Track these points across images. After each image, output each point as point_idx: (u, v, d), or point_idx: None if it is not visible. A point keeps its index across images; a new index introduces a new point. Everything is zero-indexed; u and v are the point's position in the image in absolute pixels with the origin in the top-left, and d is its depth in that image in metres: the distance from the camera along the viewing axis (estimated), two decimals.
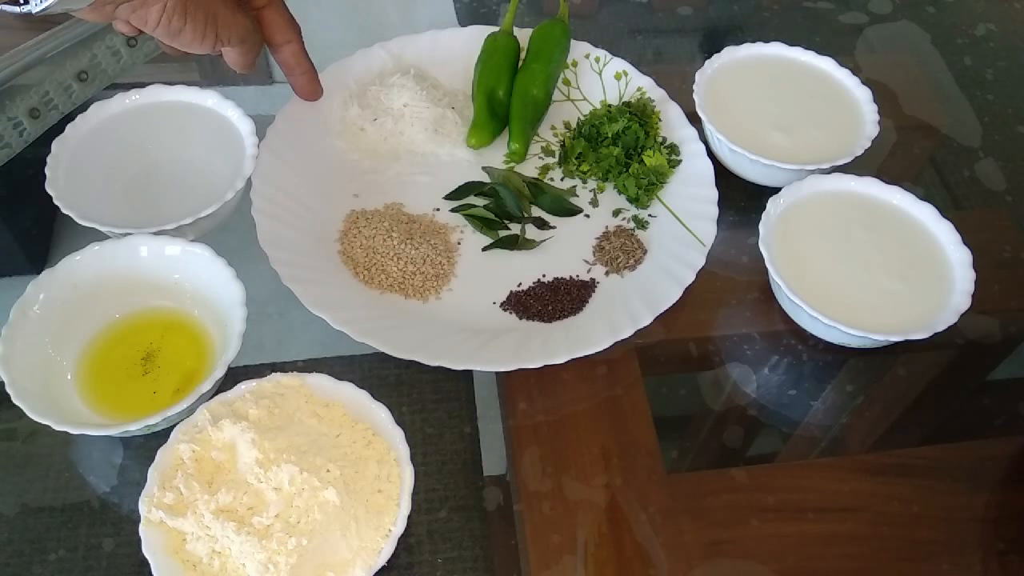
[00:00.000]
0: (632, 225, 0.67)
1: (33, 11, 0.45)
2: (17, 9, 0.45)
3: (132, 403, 0.55)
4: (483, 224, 0.66)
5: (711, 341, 0.62)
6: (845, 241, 0.61)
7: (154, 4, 0.50)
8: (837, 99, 0.70)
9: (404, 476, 0.50)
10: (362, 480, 0.49)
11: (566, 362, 0.56)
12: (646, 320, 0.58)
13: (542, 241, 0.66)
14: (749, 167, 0.67)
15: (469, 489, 0.54)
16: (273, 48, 0.62)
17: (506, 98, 0.71)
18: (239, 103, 0.67)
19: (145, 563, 0.46)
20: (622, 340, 0.57)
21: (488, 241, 0.65)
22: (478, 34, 0.75)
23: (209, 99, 0.67)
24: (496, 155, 0.71)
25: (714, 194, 0.65)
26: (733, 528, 0.53)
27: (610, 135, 0.69)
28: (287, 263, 0.59)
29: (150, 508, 0.47)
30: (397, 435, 0.51)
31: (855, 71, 0.71)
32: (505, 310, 0.62)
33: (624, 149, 0.68)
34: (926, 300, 0.58)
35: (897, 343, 0.56)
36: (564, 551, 0.51)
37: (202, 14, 0.53)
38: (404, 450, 0.51)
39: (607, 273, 0.64)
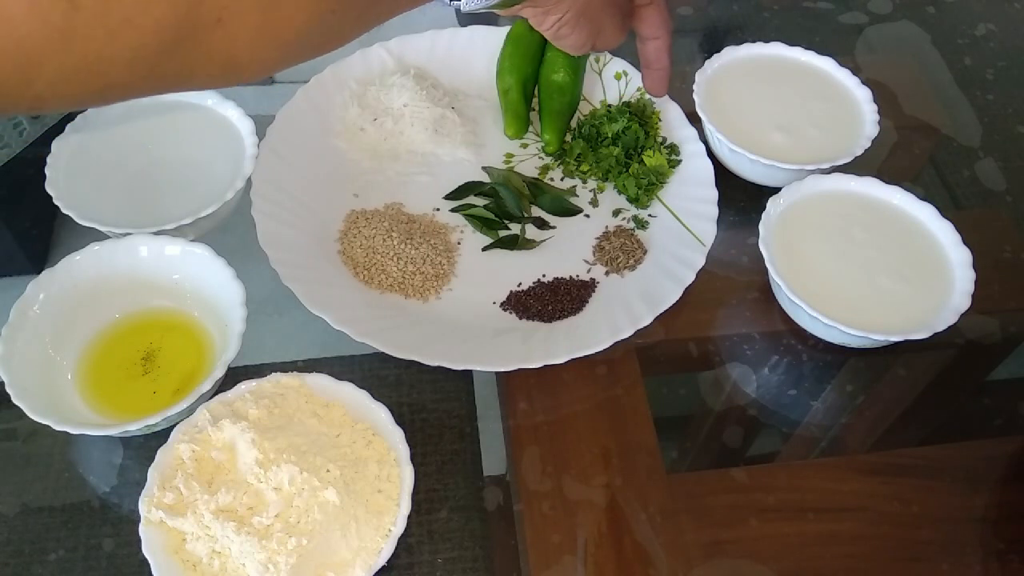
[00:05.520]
0: (632, 225, 0.67)
1: (462, 9, 0.48)
2: (450, 5, 0.49)
3: (132, 403, 0.55)
4: (483, 224, 0.66)
5: (711, 341, 0.62)
6: (845, 241, 0.61)
7: (554, 14, 0.54)
8: (837, 99, 0.70)
9: (404, 476, 0.50)
10: (362, 480, 0.49)
11: (566, 362, 0.56)
12: (646, 320, 0.58)
13: (542, 241, 0.66)
14: (749, 167, 0.67)
15: (469, 489, 0.54)
16: (640, 39, 0.63)
17: (534, 86, 0.71)
18: (239, 103, 0.67)
19: (145, 563, 0.46)
20: (622, 340, 0.57)
21: (488, 241, 0.65)
22: (478, 34, 0.75)
23: (209, 99, 0.67)
24: (496, 155, 0.71)
25: (714, 194, 0.65)
26: (733, 528, 0.53)
27: (610, 135, 0.69)
28: (287, 263, 0.59)
29: (150, 508, 0.47)
30: (397, 435, 0.51)
31: (855, 71, 0.71)
32: (505, 310, 0.62)
33: (624, 149, 0.68)
34: (926, 300, 0.58)
35: (897, 343, 0.56)
36: (564, 551, 0.51)
37: (589, 29, 0.56)
38: (404, 450, 0.51)
39: (607, 273, 0.64)
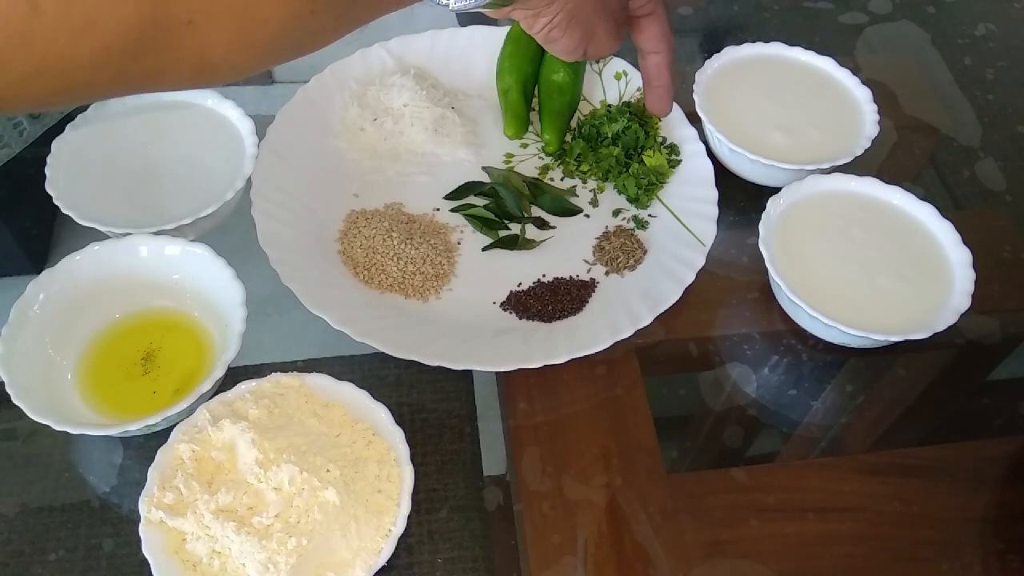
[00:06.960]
0: (632, 225, 0.67)
1: (451, 8, 0.48)
2: (437, 4, 0.48)
3: (132, 403, 0.55)
4: (483, 224, 0.66)
5: (711, 341, 0.62)
6: (845, 241, 0.61)
7: (544, 16, 0.53)
8: (837, 99, 0.70)
9: (404, 476, 0.50)
10: (362, 480, 0.49)
11: (566, 362, 0.56)
12: (646, 320, 0.58)
13: (542, 241, 0.66)
14: (749, 167, 0.67)
15: (469, 489, 0.54)
16: (640, 54, 0.62)
17: (534, 86, 0.71)
18: (239, 103, 0.67)
19: (145, 563, 0.46)
20: (622, 340, 0.57)
21: (488, 241, 0.65)
22: (478, 34, 0.75)
23: (209, 99, 0.67)
24: (496, 155, 0.71)
25: (714, 194, 0.65)
26: (733, 528, 0.53)
27: (610, 135, 0.69)
28: (287, 263, 0.59)
29: (150, 508, 0.47)
30: (397, 435, 0.51)
31: (855, 71, 0.71)
32: (505, 310, 0.62)
33: (624, 149, 0.68)
34: (926, 300, 0.58)
35: (897, 343, 0.56)
36: (564, 551, 0.51)
37: (580, 33, 0.55)
38: (404, 450, 0.51)
39: (607, 273, 0.64)
